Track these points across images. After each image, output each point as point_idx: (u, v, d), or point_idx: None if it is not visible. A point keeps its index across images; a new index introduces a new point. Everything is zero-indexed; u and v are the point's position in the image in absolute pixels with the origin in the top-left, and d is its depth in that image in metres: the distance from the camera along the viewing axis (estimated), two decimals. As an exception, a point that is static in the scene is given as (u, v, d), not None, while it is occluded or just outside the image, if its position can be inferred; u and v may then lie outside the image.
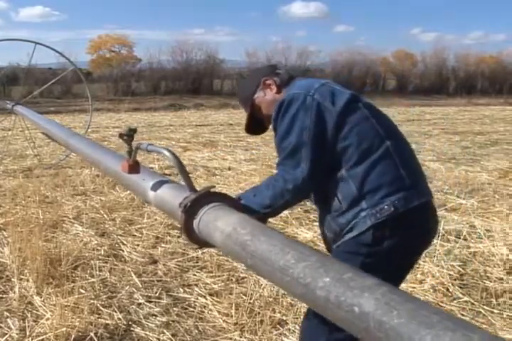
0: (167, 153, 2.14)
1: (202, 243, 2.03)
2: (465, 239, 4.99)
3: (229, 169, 8.80)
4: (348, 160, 2.09)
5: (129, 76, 33.00)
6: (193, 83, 32.63)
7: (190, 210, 1.96)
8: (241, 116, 20.21)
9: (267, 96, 2.37)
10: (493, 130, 15.69)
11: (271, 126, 2.32)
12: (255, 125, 2.49)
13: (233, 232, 1.74)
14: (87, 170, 8.27)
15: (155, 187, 2.28)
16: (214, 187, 2.13)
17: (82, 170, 8.37)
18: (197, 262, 4.49)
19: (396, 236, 2.07)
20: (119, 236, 5.15)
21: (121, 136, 2.21)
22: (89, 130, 10.32)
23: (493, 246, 4.75)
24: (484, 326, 3.43)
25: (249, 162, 9.52)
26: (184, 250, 4.72)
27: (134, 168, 2.31)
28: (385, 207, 2.04)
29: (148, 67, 33.99)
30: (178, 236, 5.06)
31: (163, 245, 4.88)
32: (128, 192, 6.62)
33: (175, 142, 12.19)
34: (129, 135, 2.21)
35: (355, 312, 1.22)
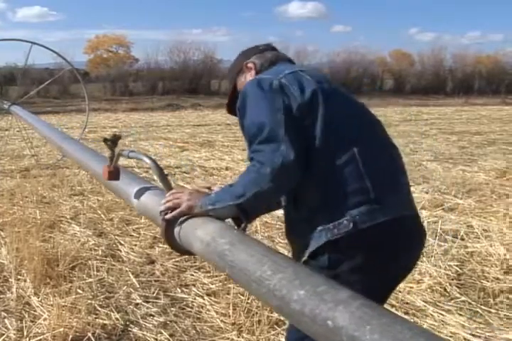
0: (147, 160, 2.14)
1: (183, 251, 2.00)
2: (462, 239, 4.99)
3: (226, 169, 8.80)
4: (309, 165, 1.84)
5: (127, 76, 33.00)
6: (190, 83, 32.62)
7: (171, 218, 1.94)
8: (238, 116, 20.19)
9: (245, 81, 2.16)
10: (490, 130, 15.70)
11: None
12: (235, 106, 2.21)
13: (212, 241, 1.71)
14: (84, 171, 8.25)
15: (138, 194, 2.27)
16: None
17: (80, 171, 8.34)
18: (194, 262, 4.48)
19: (357, 257, 1.82)
20: (116, 237, 5.14)
21: (105, 141, 2.20)
22: (86, 130, 10.32)
23: (491, 246, 4.76)
24: (482, 326, 3.44)
25: (246, 162, 9.49)
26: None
27: (114, 174, 2.29)
28: (344, 221, 1.79)
29: (146, 67, 33.99)
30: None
31: (160, 245, 4.87)
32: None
33: (172, 142, 12.18)
34: (113, 141, 2.20)
35: (329, 326, 1.20)
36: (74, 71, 11.35)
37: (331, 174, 1.84)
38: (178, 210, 1.92)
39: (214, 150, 10.88)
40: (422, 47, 66.49)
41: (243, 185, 1.84)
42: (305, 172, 1.84)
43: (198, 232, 1.80)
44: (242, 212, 1.88)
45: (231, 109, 2.24)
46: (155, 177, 2.05)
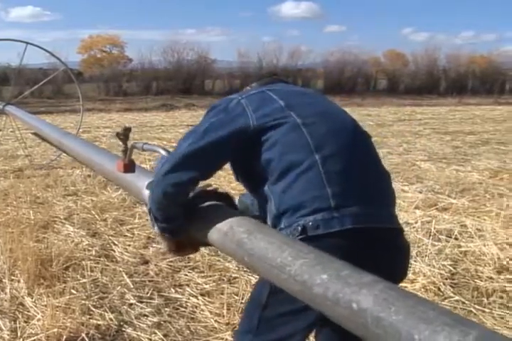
0: (163, 152, 2.16)
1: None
2: (456, 239, 5.01)
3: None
4: (270, 174, 1.86)
5: (121, 76, 32.89)
6: (184, 83, 32.54)
7: None
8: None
9: None
10: (483, 130, 15.73)
11: None
12: None
13: (229, 231, 1.74)
14: (78, 171, 8.25)
15: (150, 186, 2.28)
16: (210, 186, 2.13)
17: (73, 171, 8.35)
18: (188, 262, 4.48)
19: None
20: (110, 237, 5.13)
21: (117, 135, 2.22)
22: (80, 130, 10.29)
23: (484, 246, 4.77)
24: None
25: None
26: (176, 250, 4.71)
27: (130, 167, 2.31)
28: (298, 228, 1.77)
29: (140, 67, 33.92)
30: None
31: (154, 245, 4.87)
32: (119, 192, 6.61)
33: (166, 142, 12.15)
34: (124, 134, 2.22)
35: (354, 308, 1.23)
36: (68, 71, 11.31)
37: (291, 182, 1.82)
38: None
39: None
40: (415, 47, 66.62)
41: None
42: (266, 182, 1.88)
43: (215, 222, 1.83)
44: (156, 220, 1.96)
45: None
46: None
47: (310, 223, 1.75)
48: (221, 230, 1.78)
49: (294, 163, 1.82)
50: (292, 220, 1.80)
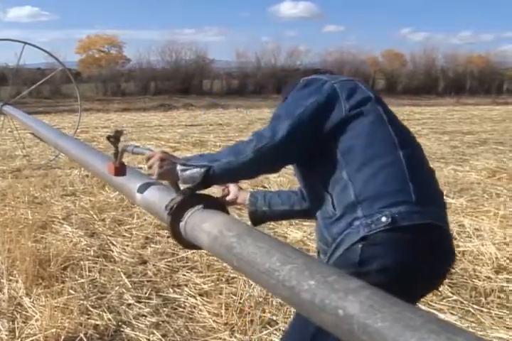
0: None
1: (189, 245, 2.02)
2: (454, 238, 5.00)
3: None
4: (352, 161, 1.89)
5: (119, 76, 32.94)
6: (182, 83, 32.59)
7: (176, 212, 1.96)
8: (230, 116, 20.23)
9: None
10: (481, 129, 15.76)
11: None
12: None
13: (219, 234, 1.73)
14: (76, 171, 8.24)
15: (142, 189, 2.28)
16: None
17: (72, 171, 8.34)
18: (187, 262, 4.48)
19: (389, 256, 1.80)
20: (108, 237, 5.13)
21: (108, 138, 2.22)
22: (78, 130, 10.29)
23: (482, 245, 4.78)
24: (473, 325, 3.45)
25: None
26: (174, 250, 4.72)
27: (120, 170, 2.30)
28: (383, 218, 1.78)
29: (138, 67, 33.94)
30: (168, 237, 5.05)
31: (152, 245, 4.87)
32: (117, 192, 6.61)
33: (164, 142, 12.16)
34: (115, 137, 2.21)
35: (340, 314, 1.22)
36: (66, 71, 11.29)
37: (375, 172, 1.87)
38: (151, 160, 1.97)
39: (206, 150, 10.86)
40: (414, 47, 66.71)
41: (224, 151, 1.96)
42: (343, 168, 1.90)
43: (205, 226, 1.82)
44: (205, 177, 1.90)
45: None
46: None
47: (396, 215, 1.79)
48: (211, 234, 1.76)
49: (378, 154, 1.89)
50: (373, 210, 1.82)
